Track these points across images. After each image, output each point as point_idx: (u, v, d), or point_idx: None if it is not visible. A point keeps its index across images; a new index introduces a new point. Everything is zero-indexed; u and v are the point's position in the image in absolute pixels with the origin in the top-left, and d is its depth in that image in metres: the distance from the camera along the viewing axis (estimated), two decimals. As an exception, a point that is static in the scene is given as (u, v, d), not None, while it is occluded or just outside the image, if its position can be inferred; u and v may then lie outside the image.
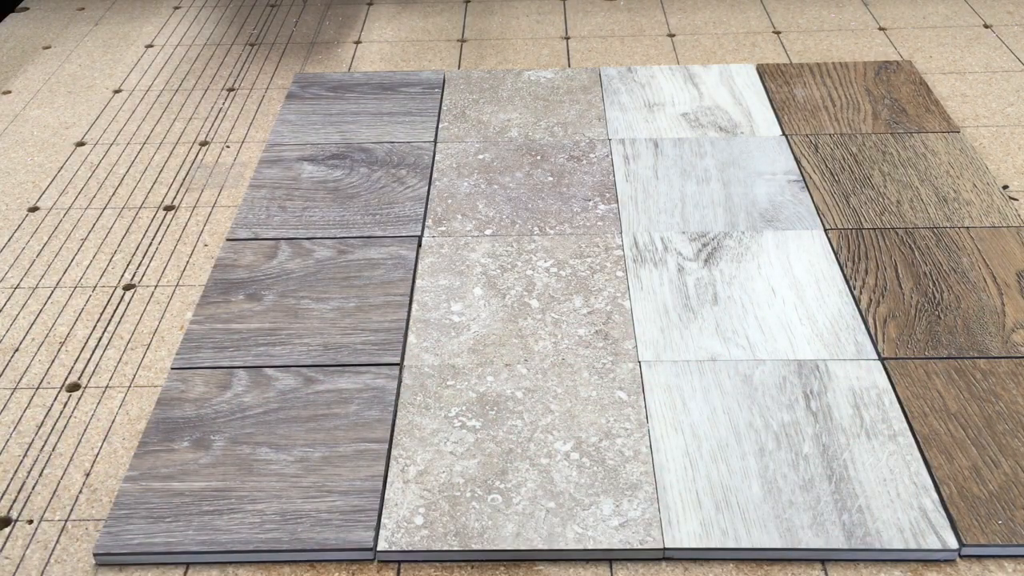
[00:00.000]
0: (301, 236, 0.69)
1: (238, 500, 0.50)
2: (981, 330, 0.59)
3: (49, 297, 0.66)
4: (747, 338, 0.59)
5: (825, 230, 0.68)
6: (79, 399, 0.59)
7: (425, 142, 0.80)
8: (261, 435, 0.53)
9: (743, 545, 0.47)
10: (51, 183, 0.79)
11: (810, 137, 0.79)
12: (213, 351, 0.59)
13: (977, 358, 0.58)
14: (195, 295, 0.66)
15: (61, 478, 0.53)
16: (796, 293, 0.63)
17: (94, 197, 0.77)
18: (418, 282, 0.65)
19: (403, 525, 0.48)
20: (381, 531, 0.48)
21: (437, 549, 0.47)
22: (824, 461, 0.51)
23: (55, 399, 0.59)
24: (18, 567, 0.48)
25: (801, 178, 0.74)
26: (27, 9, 1.10)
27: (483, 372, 0.57)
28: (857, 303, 0.62)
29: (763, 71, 0.88)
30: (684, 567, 0.47)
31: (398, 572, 0.48)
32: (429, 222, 0.70)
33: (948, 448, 0.52)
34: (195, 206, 0.75)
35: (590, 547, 0.47)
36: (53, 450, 0.55)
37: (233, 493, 0.50)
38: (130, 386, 0.59)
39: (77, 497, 0.52)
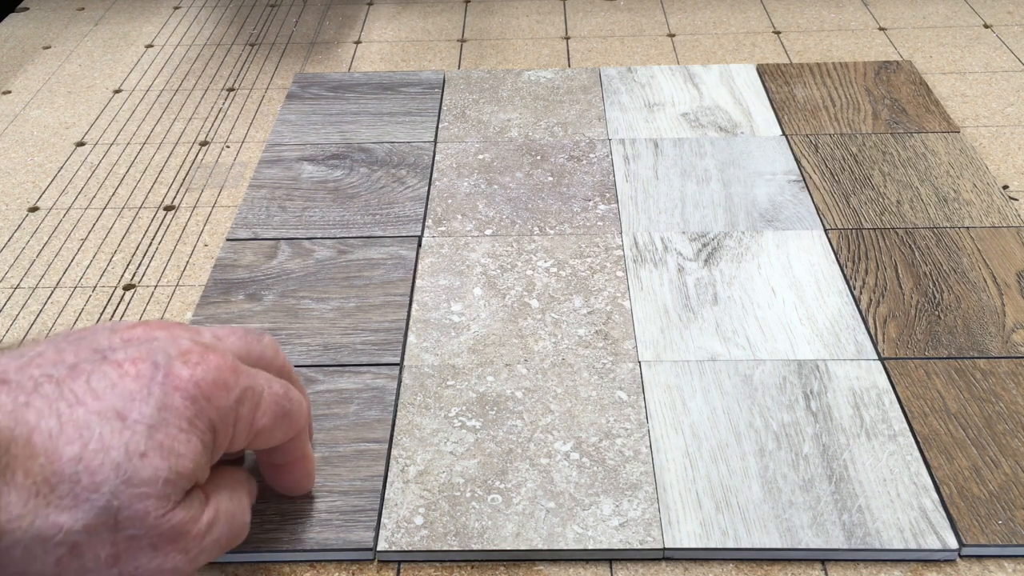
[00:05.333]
0: (301, 236, 0.69)
1: (238, 500, 0.50)
2: (981, 330, 0.59)
3: (49, 297, 0.66)
4: (747, 338, 0.59)
5: (825, 230, 0.68)
6: (79, 399, 0.58)
7: (425, 142, 0.80)
8: (261, 435, 0.53)
9: (743, 545, 0.47)
10: (51, 183, 0.79)
11: (810, 137, 0.79)
12: (213, 351, 0.59)
13: (977, 358, 0.57)
14: (195, 295, 0.66)
15: (61, 478, 0.53)
16: (796, 293, 0.63)
17: (94, 197, 0.77)
18: (418, 282, 0.65)
19: (403, 525, 0.48)
20: (381, 531, 0.48)
21: (437, 549, 0.47)
22: (824, 461, 0.51)
23: (55, 399, 0.59)
24: (18, 567, 0.48)
25: (801, 178, 0.74)
26: (27, 9, 1.10)
27: (483, 372, 0.57)
28: (857, 303, 0.62)
29: (763, 71, 0.88)
30: (684, 567, 0.47)
31: (398, 572, 0.48)
32: (429, 222, 0.70)
33: (948, 448, 0.52)
34: (195, 206, 0.75)
35: (590, 547, 0.47)
36: (53, 450, 0.55)
37: (233, 493, 0.50)
38: (130, 386, 0.59)
39: (77, 497, 0.52)
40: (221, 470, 0.40)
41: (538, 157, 0.77)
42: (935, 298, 0.62)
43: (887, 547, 0.47)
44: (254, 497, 0.44)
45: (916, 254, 0.66)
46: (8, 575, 0.31)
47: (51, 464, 0.31)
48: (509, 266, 0.66)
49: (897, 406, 0.55)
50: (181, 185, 0.78)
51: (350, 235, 0.69)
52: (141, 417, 0.33)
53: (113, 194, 0.77)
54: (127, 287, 0.67)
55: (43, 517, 0.31)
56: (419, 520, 0.49)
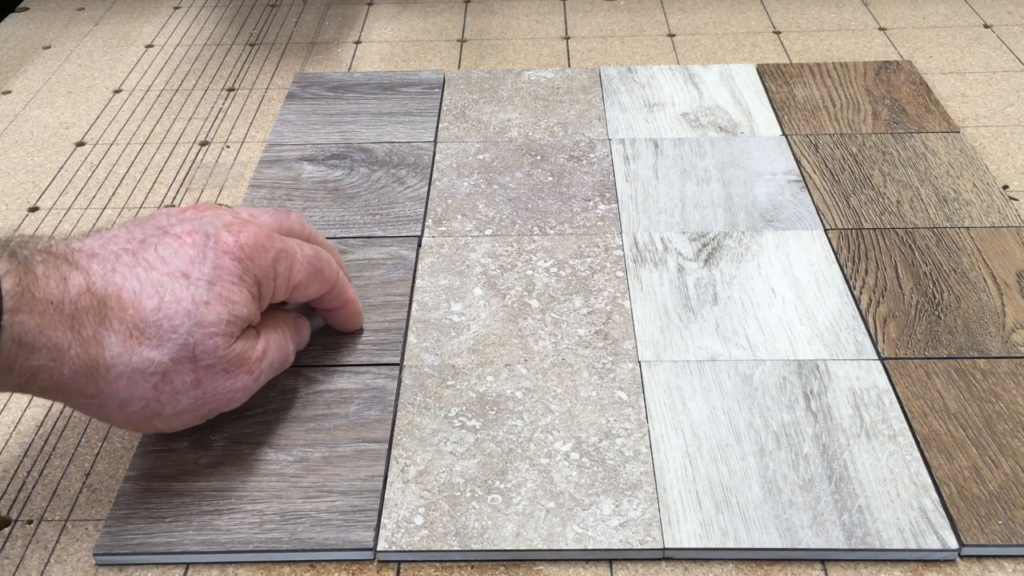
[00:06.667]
0: (301, 236, 0.69)
1: (238, 500, 0.50)
2: (981, 330, 0.59)
3: (49, 297, 0.66)
4: (747, 338, 0.59)
5: (825, 230, 0.68)
6: (79, 399, 0.58)
7: (425, 142, 0.80)
8: (261, 435, 0.53)
9: (743, 545, 0.47)
10: (51, 183, 0.79)
11: (810, 137, 0.79)
12: (213, 351, 0.59)
13: (977, 358, 0.57)
14: (195, 295, 0.66)
15: (61, 478, 0.53)
16: (796, 293, 0.63)
17: (94, 197, 0.77)
18: (418, 282, 0.65)
19: (403, 525, 0.48)
20: (381, 531, 0.48)
21: (437, 549, 0.47)
22: (824, 461, 0.51)
23: (55, 399, 0.59)
24: (18, 567, 0.48)
25: (801, 178, 0.74)
26: (27, 9, 1.10)
27: (483, 372, 0.57)
28: (857, 303, 0.62)
29: (763, 71, 0.88)
30: (684, 567, 0.47)
31: (398, 572, 0.48)
32: (429, 222, 0.70)
33: (948, 448, 0.52)
34: (195, 206, 0.75)
35: (590, 547, 0.47)
36: (53, 450, 0.55)
37: (233, 493, 0.50)
38: (130, 386, 0.59)
39: (77, 497, 0.52)
40: (268, 312, 0.49)
41: (538, 157, 0.77)
42: (935, 298, 0.62)
43: (887, 547, 0.47)
44: (304, 332, 0.55)
45: (916, 254, 0.66)
46: (117, 401, 0.42)
47: (138, 314, 0.41)
48: (509, 266, 0.66)
49: (897, 406, 0.55)
50: (181, 185, 0.78)
51: (350, 235, 0.69)
52: (201, 275, 0.43)
53: (113, 194, 0.77)
54: (127, 287, 0.67)
55: (138, 353, 0.41)
56: (419, 520, 0.49)
